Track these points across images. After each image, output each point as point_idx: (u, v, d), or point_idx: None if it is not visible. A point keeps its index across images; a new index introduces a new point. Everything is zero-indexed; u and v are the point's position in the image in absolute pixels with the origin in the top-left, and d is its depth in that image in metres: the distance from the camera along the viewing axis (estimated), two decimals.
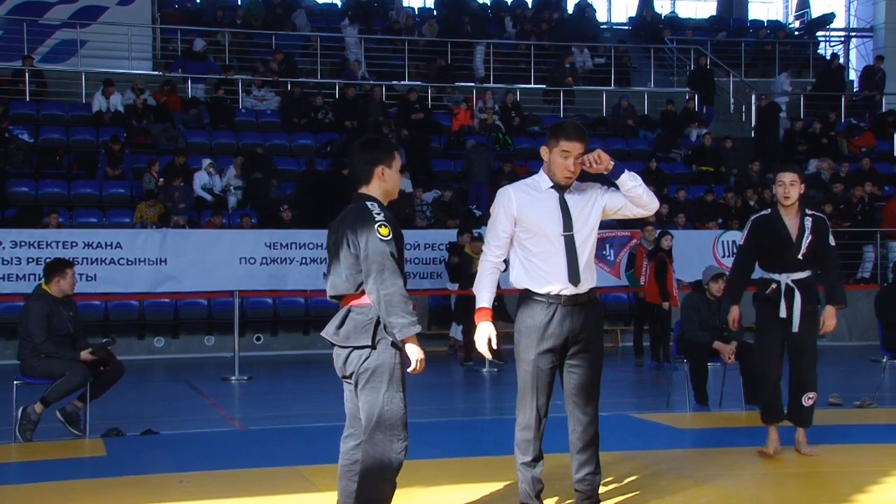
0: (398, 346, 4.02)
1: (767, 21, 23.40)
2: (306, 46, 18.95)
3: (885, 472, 5.56)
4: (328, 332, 4.13)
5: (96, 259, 12.70)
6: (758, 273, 6.22)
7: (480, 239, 12.96)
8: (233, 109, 16.84)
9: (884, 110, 19.49)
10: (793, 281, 5.88)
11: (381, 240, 3.95)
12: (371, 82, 17.87)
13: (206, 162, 14.61)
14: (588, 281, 4.44)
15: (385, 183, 4.14)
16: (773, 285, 5.93)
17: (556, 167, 4.41)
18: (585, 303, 4.44)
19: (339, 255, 4.06)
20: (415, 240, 13.66)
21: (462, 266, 12.40)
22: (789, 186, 5.88)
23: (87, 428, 7.10)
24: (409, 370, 4.05)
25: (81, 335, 7.43)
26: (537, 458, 4.47)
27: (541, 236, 4.41)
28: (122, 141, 14.89)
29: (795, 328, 5.88)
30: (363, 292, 4.02)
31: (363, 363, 4.04)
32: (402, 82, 18.36)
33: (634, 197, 4.44)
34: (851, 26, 24.05)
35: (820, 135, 17.81)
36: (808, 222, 5.93)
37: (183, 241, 13.05)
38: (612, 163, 4.40)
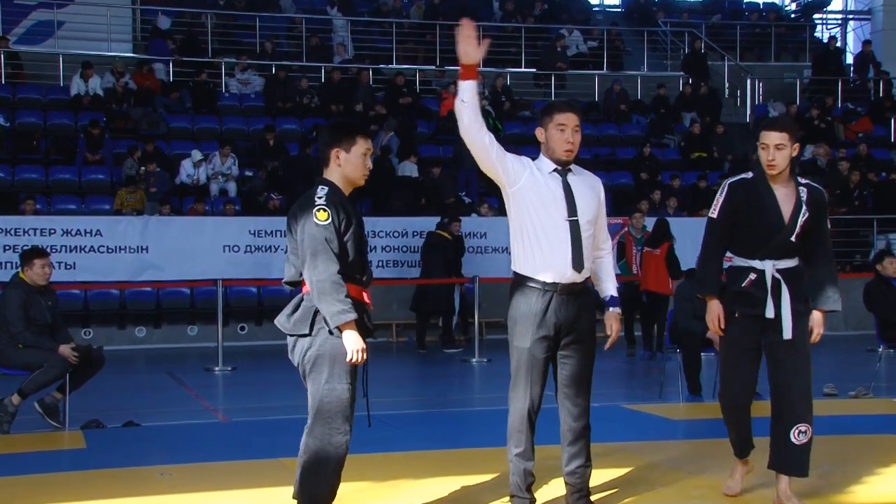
0: (336, 334, 3.93)
1: (763, 4, 23.25)
2: (291, 29, 18.69)
3: (882, 462, 5.52)
4: (280, 319, 4.09)
5: (75, 247, 12.48)
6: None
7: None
8: (216, 93, 16.57)
9: (881, 95, 19.35)
10: (779, 270, 4.51)
11: (317, 224, 3.88)
12: (357, 65, 17.62)
13: (197, 155, 14.34)
14: (588, 269, 4.38)
15: (341, 167, 4.05)
16: (752, 276, 4.52)
17: (555, 142, 4.34)
18: (580, 292, 4.36)
19: (288, 240, 4.08)
20: (402, 227, 13.48)
21: (436, 254, 12.38)
22: (774, 150, 4.45)
23: (66, 420, 7.03)
24: (347, 360, 3.94)
25: (61, 325, 7.32)
26: (529, 450, 4.40)
27: (545, 220, 4.30)
28: (102, 125, 14.62)
29: (788, 334, 4.47)
30: None
31: (304, 352, 4.00)
32: (390, 66, 18.13)
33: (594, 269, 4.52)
34: (849, 9, 23.94)
35: (817, 120, 17.67)
36: (804, 194, 4.50)
37: (165, 229, 12.85)
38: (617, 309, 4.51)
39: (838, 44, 21.29)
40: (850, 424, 6.96)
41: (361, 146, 4.05)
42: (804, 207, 4.46)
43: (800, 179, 4.57)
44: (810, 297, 4.56)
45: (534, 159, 4.45)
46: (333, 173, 4.06)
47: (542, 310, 4.28)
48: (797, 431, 4.45)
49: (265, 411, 7.98)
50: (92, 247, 12.54)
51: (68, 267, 12.40)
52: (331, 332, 3.94)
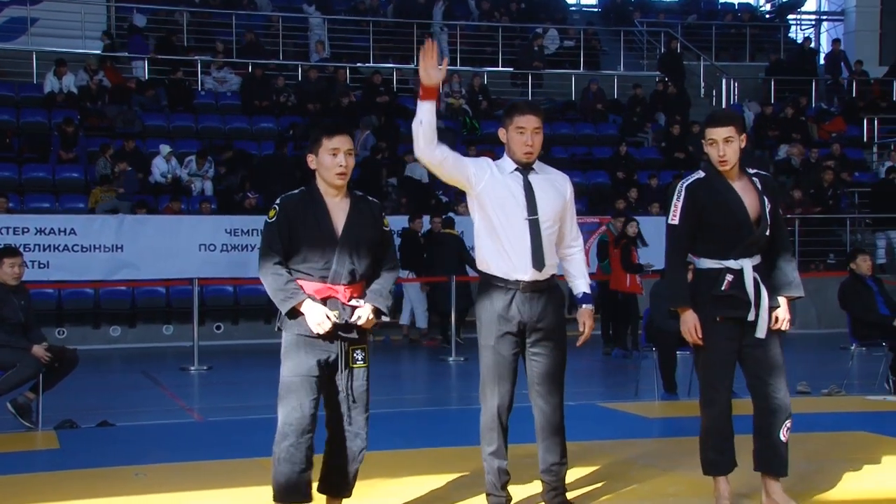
0: (286, 328, 4.13)
1: (738, 4, 23.40)
2: (268, 27, 18.60)
3: (855, 459, 5.53)
4: None
5: (49, 246, 12.39)
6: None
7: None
8: (192, 91, 16.46)
9: (854, 95, 19.52)
10: (755, 267, 4.40)
11: (266, 222, 4.13)
12: (334, 64, 17.57)
13: (166, 149, 14.24)
14: (551, 267, 4.39)
15: (317, 169, 4.17)
16: (730, 277, 4.36)
17: (515, 144, 4.36)
18: (545, 289, 4.37)
19: None
20: None
21: (416, 252, 12.32)
22: (724, 144, 4.34)
23: (39, 420, 6.95)
24: (313, 332, 4.07)
25: (34, 325, 7.22)
26: (502, 448, 4.40)
27: (505, 220, 4.32)
28: (76, 123, 14.50)
29: (762, 333, 4.36)
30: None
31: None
32: (367, 64, 18.09)
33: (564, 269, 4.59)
34: (822, 9, 24.15)
35: (792, 120, 17.79)
36: (759, 184, 4.42)
37: (140, 228, 12.77)
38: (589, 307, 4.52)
39: (811, 44, 21.47)
40: (823, 422, 6.98)
41: (326, 146, 4.12)
42: (766, 202, 4.39)
43: (748, 170, 4.47)
44: (776, 287, 4.45)
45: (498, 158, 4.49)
46: (318, 178, 4.21)
47: (506, 307, 4.32)
48: (786, 429, 4.39)
49: (241, 410, 7.93)
50: (66, 245, 12.45)
51: (42, 266, 12.30)
52: (279, 329, 4.14)
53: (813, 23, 23.57)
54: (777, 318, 4.40)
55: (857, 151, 18.07)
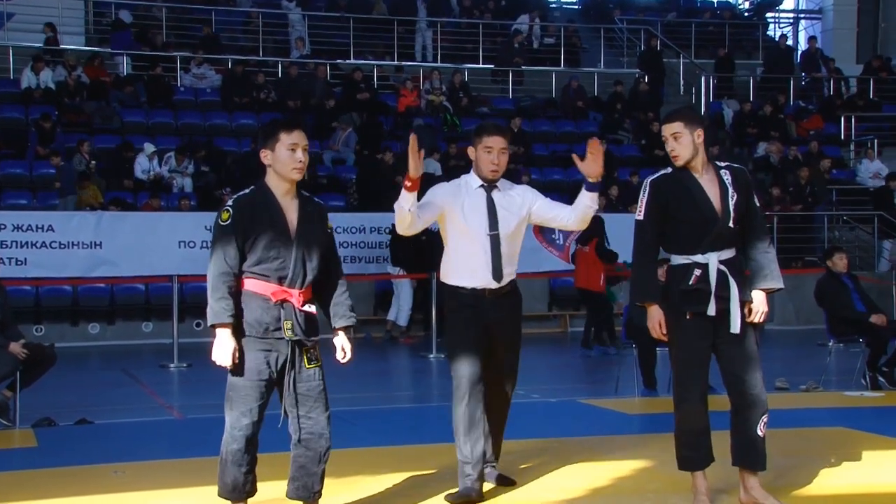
0: (236, 328, 4.06)
1: (718, 2, 23.53)
2: (247, 23, 18.51)
3: (832, 455, 5.55)
4: None
5: (26, 242, 12.29)
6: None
7: None
8: (171, 87, 16.37)
9: (832, 93, 19.66)
10: (722, 262, 4.37)
11: (217, 224, 4.04)
12: (315, 60, 17.52)
13: (150, 148, 14.16)
14: (510, 275, 4.75)
15: (272, 165, 4.11)
16: (697, 272, 4.35)
17: (482, 163, 4.70)
18: (507, 294, 4.76)
19: None
20: (360, 223, 13.42)
21: (407, 249, 12.25)
22: (672, 140, 4.39)
23: (16, 418, 6.87)
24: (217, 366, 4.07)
25: (11, 322, 7.14)
26: (477, 443, 4.61)
27: (467, 234, 4.67)
28: (54, 119, 14.38)
29: (736, 328, 4.35)
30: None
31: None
32: (347, 61, 18.04)
33: (584, 216, 4.80)
34: (800, 7, 24.31)
35: (770, 117, 17.89)
36: (727, 176, 4.41)
37: (119, 224, 12.69)
38: (599, 181, 4.72)
39: (789, 42, 21.60)
40: (801, 418, 7.03)
41: (284, 141, 4.07)
42: (730, 190, 4.37)
43: (719, 164, 4.49)
44: (752, 279, 4.45)
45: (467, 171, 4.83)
46: (269, 174, 4.14)
47: (473, 311, 4.66)
48: (762, 424, 4.38)
49: (221, 408, 7.75)
50: (44, 242, 12.35)
51: (19, 263, 12.21)
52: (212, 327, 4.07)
53: (791, 21, 23.74)
54: (751, 311, 4.39)
55: (834, 149, 18.20)
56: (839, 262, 8.64)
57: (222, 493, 4.17)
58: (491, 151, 4.69)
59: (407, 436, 6.49)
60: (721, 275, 4.34)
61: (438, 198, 4.69)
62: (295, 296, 4.07)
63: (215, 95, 16.49)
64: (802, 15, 23.91)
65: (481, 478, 4.66)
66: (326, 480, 5.05)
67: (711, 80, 19.36)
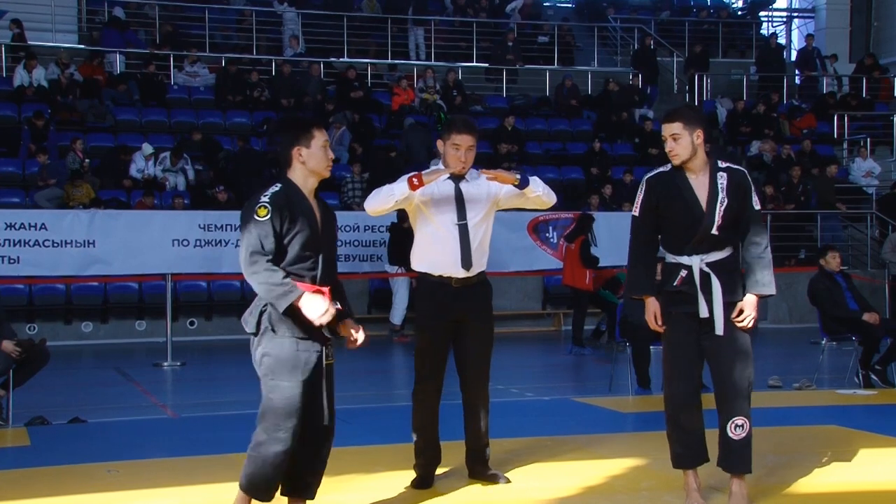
0: (280, 331, 3.97)
1: (711, 1, 23.56)
2: (241, 21, 18.48)
3: (825, 453, 5.57)
4: (244, 317, 4.12)
5: (19, 241, 12.26)
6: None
7: None
8: (164, 85, 16.34)
9: (825, 91, 19.70)
10: (708, 264, 4.37)
11: (255, 220, 3.93)
12: (308, 59, 17.50)
13: (148, 149, 14.13)
14: (479, 265, 4.84)
15: (305, 163, 4.08)
16: (683, 273, 4.38)
17: (450, 158, 4.82)
18: (476, 284, 4.84)
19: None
20: (354, 221, 13.41)
21: (406, 248, 12.19)
22: (671, 141, 4.39)
23: (9, 416, 6.86)
24: (316, 323, 3.95)
25: (4, 320, 7.11)
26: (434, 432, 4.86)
27: (437, 224, 4.79)
28: (46, 117, 14.34)
29: (720, 329, 4.33)
30: None
31: (254, 350, 4.05)
32: (341, 59, 18.03)
33: (535, 200, 4.87)
34: (793, 6, 24.36)
35: (764, 116, 17.92)
36: (722, 180, 4.37)
37: (112, 223, 12.65)
38: (518, 176, 4.79)
39: (780, 40, 21.63)
40: (793, 416, 7.07)
41: (319, 139, 4.09)
42: (721, 194, 4.32)
43: (720, 164, 4.43)
44: (745, 284, 4.42)
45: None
46: (296, 172, 4.09)
47: (440, 299, 4.77)
48: (733, 426, 4.32)
49: (215, 407, 7.89)
50: (37, 241, 12.31)
51: (12, 261, 12.19)
52: (274, 331, 3.96)
53: (784, 20, 23.79)
54: (743, 315, 4.35)
55: (827, 148, 18.24)
56: (832, 261, 8.66)
57: (255, 495, 4.06)
58: (458, 149, 4.78)
59: (401, 434, 6.49)
60: (704, 277, 4.34)
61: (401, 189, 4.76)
62: (326, 292, 4.05)
63: (209, 94, 16.46)
64: (795, 14, 23.96)
65: (435, 463, 4.87)
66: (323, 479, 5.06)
67: (706, 79, 19.38)
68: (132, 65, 16.73)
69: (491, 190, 4.87)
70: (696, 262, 4.35)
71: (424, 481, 4.86)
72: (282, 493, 4.19)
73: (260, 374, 4.03)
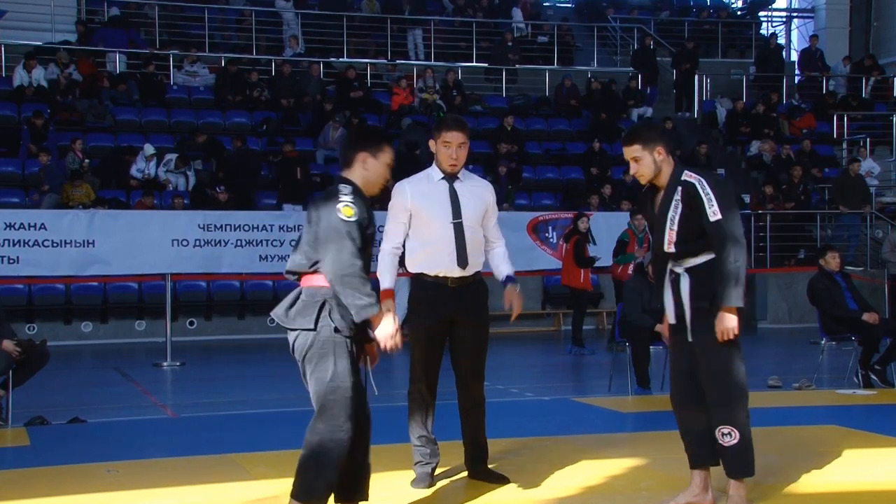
0: (342, 331, 3.93)
1: (710, 1, 23.57)
2: (240, 21, 18.48)
3: (824, 453, 5.58)
4: (278, 312, 4.04)
5: (19, 241, 12.25)
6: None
7: None
8: (164, 85, 16.34)
9: (831, 91, 19.71)
10: (685, 269, 4.38)
11: (344, 220, 3.89)
12: (308, 59, 17.50)
13: (150, 149, 14.13)
14: (475, 265, 4.84)
15: (366, 171, 4.11)
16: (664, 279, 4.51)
17: (441, 156, 4.86)
18: (471, 283, 4.84)
19: (306, 232, 4.05)
20: None
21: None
22: (634, 164, 4.39)
23: (9, 416, 6.85)
24: (382, 348, 4.01)
25: (3, 320, 7.10)
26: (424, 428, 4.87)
27: (432, 224, 4.80)
28: (46, 117, 14.33)
29: (689, 335, 4.37)
30: (316, 271, 3.97)
31: (307, 347, 3.95)
32: (341, 59, 18.03)
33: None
34: (793, 7, 24.37)
35: (763, 116, 17.92)
36: (678, 194, 4.33)
37: (112, 223, 12.65)
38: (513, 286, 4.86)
39: (780, 41, 21.63)
40: (793, 416, 7.07)
41: (387, 155, 4.13)
42: (672, 211, 4.31)
43: (684, 176, 4.33)
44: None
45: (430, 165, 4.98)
46: (356, 174, 4.09)
47: (436, 299, 4.78)
48: (720, 433, 4.30)
49: (215, 407, 7.89)
50: (36, 241, 12.31)
51: (11, 261, 12.18)
52: (337, 330, 3.92)
53: (784, 20, 23.79)
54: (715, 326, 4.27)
55: (826, 148, 18.24)
56: (832, 261, 8.66)
57: (318, 499, 3.95)
58: (449, 146, 4.81)
59: (401, 434, 6.48)
60: (674, 279, 4.39)
61: (399, 203, 4.85)
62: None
63: (208, 93, 16.46)
64: (795, 14, 23.96)
65: (434, 463, 4.88)
66: None
67: (706, 79, 19.38)
68: (132, 64, 16.72)
69: (485, 198, 4.92)
70: (668, 268, 4.44)
71: (424, 481, 4.87)
72: (337, 500, 4.09)
73: (310, 371, 3.95)
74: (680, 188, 4.33)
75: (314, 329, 3.91)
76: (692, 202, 4.29)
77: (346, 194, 3.95)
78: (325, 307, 3.92)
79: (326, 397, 3.91)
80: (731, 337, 4.27)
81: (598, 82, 18.04)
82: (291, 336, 3.99)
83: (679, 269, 4.39)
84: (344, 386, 3.91)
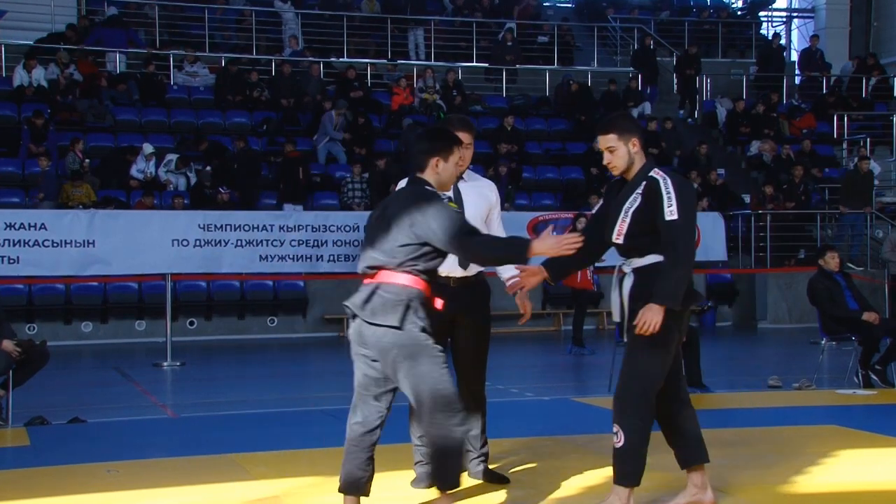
0: (427, 331, 4.06)
1: (710, 1, 23.58)
2: (240, 21, 18.48)
3: (824, 452, 5.58)
4: (355, 302, 4.13)
5: (19, 241, 12.25)
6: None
7: None
8: (164, 85, 16.34)
9: (824, 91, 19.71)
10: (632, 269, 4.31)
11: (456, 211, 4.15)
12: (308, 59, 17.50)
13: (149, 148, 14.14)
14: (476, 266, 4.81)
15: (439, 175, 4.25)
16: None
17: None
18: (474, 283, 4.87)
19: (391, 230, 4.07)
20: (354, 221, 13.44)
21: None
22: (608, 154, 4.32)
23: (9, 416, 6.84)
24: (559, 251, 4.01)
25: (3, 320, 7.09)
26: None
27: None
28: (46, 117, 14.34)
29: (623, 335, 4.33)
30: (402, 270, 4.06)
31: (396, 344, 4.04)
32: (341, 59, 18.03)
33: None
34: (793, 6, 24.38)
35: (763, 116, 17.92)
36: (641, 187, 4.26)
37: (112, 222, 12.65)
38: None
39: (782, 41, 21.63)
40: (793, 416, 7.07)
41: (456, 155, 4.29)
42: (629, 204, 4.24)
43: (653, 173, 4.26)
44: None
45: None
46: (429, 177, 4.25)
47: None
48: (614, 435, 4.25)
49: (215, 406, 7.88)
50: (36, 241, 12.31)
51: (11, 261, 12.19)
52: (424, 330, 4.03)
53: (784, 20, 23.79)
54: (638, 318, 4.16)
55: (826, 147, 18.24)
56: (831, 261, 8.65)
57: (451, 483, 4.13)
58: None
59: (401, 434, 6.49)
60: (619, 278, 4.36)
61: None
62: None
63: (208, 94, 16.46)
64: (795, 14, 23.97)
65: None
66: (320, 479, 5.06)
67: (706, 79, 19.38)
68: (132, 64, 16.73)
69: (489, 198, 4.95)
70: (622, 265, 4.38)
71: (424, 481, 4.86)
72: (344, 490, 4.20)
73: (408, 368, 4.03)
74: (644, 183, 4.25)
75: (400, 328, 4.00)
76: (651, 198, 4.20)
77: (435, 193, 4.15)
78: (411, 308, 4.02)
79: (437, 392, 4.04)
80: (650, 330, 4.09)
81: (575, 83, 18.00)
82: (364, 329, 4.07)
83: (627, 269, 4.34)
84: (445, 378, 4.07)
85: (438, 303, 4.18)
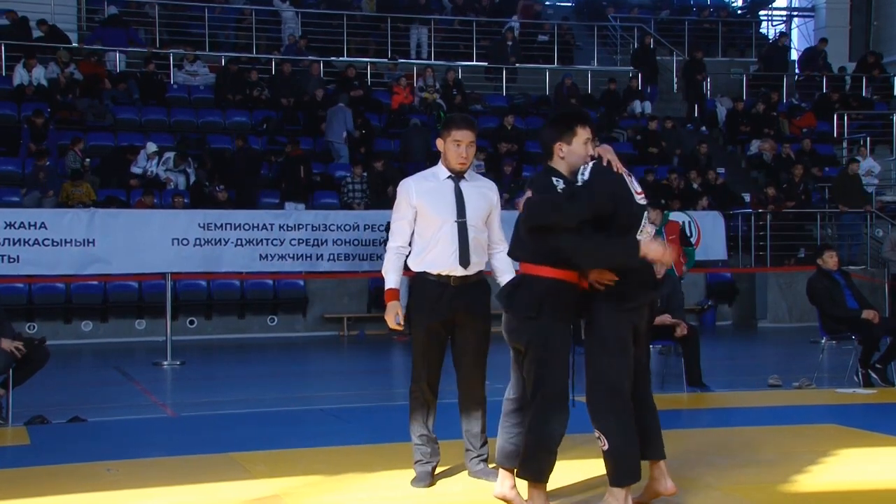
0: (565, 320, 4.21)
1: (711, 0, 23.58)
2: (240, 20, 18.48)
3: (824, 452, 5.59)
4: (500, 294, 4.40)
5: (19, 240, 12.26)
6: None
7: None
8: (164, 84, 16.34)
9: (824, 91, 19.72)
10: None
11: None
12: (308, 58, 17.50)
13: (151, 147, 14.14)
14: (477, 264, 4.86)
15: (565, 158, 4.25)
16: None
17: (451, 155, 4.86)
18: (473, 283, 4.87)
19: (519, 222, 4.28)
20: (354, 221, 13.44)
21: None
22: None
23: (9, 416, 6.85)
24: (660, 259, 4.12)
25: (4, 319, 7.10)
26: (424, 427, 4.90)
27: (436, 222, 4.82)
28: (46, 116, 14.34)
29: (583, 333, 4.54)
30: (539, 263, 4.17)
31: (529, 334, 4.18)
32: (341, 58, 18.03)
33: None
34: (793, 6, 24.38)
35: (763, 115, 17.92)
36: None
37: (112, 222, 12.65)
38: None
39: (786, 41, 21.65)
40: (793, 415, 7.07)
41: (581, 136, 4.22)
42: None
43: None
44: None
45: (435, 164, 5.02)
46: (558, 163, 4.27)
47: (437, 299, 4.79)
48: (597, 438, 4.33)
49: (215, 406, 7.88)
50: (36, 240, 12.31)
51: (11, 260, 12.19)
52: (561, 318, 4.16)
53: (784, 19, 23.79)
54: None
55: (827, 147, 18.24)
56: (829, 261, 8.65)
57: (544, 474, 4.27)
58: (459, 145, 4.82)
59: (401, 433, 6.49)
60: None
61: (404, 201, 4.89)
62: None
63: (208, 93, 16.46)
64: (796, 13, 23.97)
65: (434, 462, 4.91)
66: (319, 478, 5.06)
67: (707, 78, 19.38)
68: (132, 63, 16.73)
69: (490, 199, 4.95)
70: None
71: (424, 480, 4.87)
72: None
73: (532, 358, 4.19)
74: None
75: (535, 318, 4.14)
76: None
77: (562, 188, 4.16)
78: (548, 299, 4.13)
79: (545, 381, 4.16)
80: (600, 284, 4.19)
81: (570, 80, 17.99)
82: (508, 319, 4.25)
83: None
84: (561, 371, 4.23)
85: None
